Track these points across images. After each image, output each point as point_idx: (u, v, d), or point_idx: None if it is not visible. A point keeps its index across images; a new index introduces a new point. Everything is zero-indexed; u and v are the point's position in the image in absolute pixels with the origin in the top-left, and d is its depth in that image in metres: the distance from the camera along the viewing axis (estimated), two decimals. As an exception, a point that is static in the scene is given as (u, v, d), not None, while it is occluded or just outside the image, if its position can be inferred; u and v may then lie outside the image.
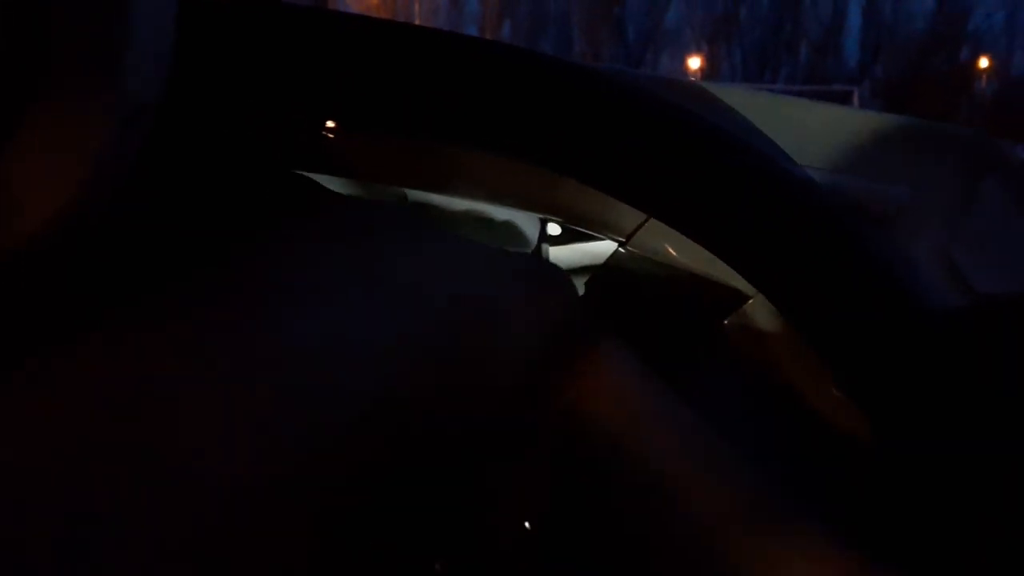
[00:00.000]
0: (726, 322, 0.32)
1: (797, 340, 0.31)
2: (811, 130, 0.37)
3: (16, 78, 0.25)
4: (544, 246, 0.41)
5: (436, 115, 0.31)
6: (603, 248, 0.43)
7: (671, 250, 0.32)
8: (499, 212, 0.42)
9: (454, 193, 0.37)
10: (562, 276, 0.27)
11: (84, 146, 0.28)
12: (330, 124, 0.33)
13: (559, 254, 0.42)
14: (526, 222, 0.42)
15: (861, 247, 0.29)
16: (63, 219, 0.27)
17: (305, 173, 0.36)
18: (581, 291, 0.39)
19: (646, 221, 0.31)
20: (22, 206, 0.26)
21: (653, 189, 0.30)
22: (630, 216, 0.32)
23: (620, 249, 0.34)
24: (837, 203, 0.30)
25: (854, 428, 0.32)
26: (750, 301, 0.32)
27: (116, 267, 0.30)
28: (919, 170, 0.37)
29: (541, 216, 0.35)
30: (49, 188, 0.27)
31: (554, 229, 0.42)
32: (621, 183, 0.30)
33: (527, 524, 0.26)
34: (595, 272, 0.35)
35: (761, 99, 0.40)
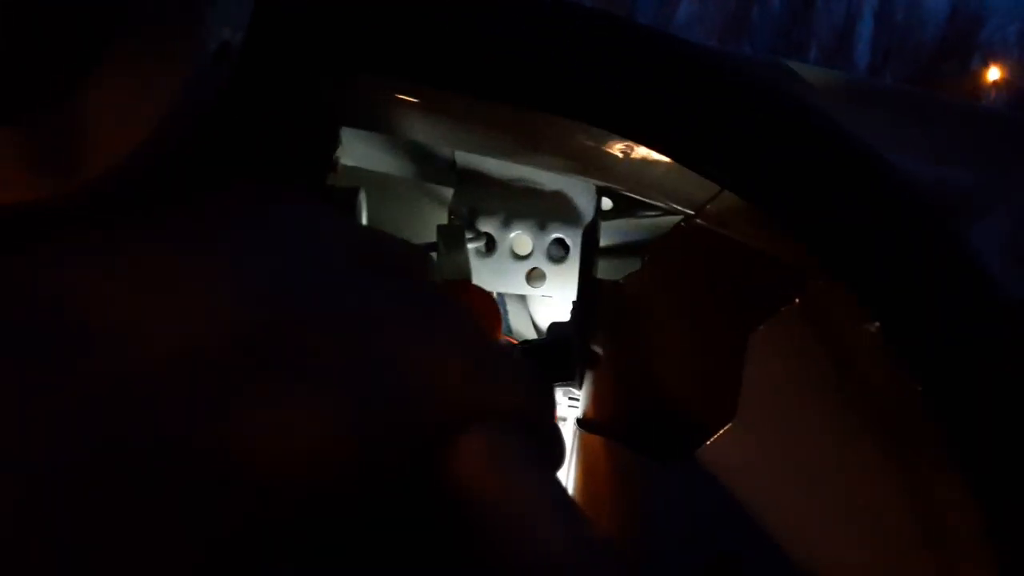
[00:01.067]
0: (788, 308, 0.32)
1: (866, 330, 0.30)
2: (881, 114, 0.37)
3: (96, 13, 0.25)
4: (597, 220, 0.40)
5: (502, 71, 0.30)
6: (654, 223, 0.42)
7: (742, 226, 0.32)
8: (551, 181, 0.41)
9: (511, 156, 0.36)
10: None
11: (163, 86, 0.27)
12: (397, 81, 0.32)
13: (611, 227, 0.41)
14: (581, 193, 0.41)
15: (955, 239, 0.29)
16: (136, 160, 0.26)
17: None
18: (626, 271, 0.38)
19: (719, 193, 0.31)
20: (96, 145, 0.26)
21: (739, 163, 0.29)
22: (702, 187, 0.31)
23: (685, 221, 0.33)
24: (927, 193, 0.29)
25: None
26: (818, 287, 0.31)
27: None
28: (987, 158, 0.37)
29: (602, 185, 0.34)
30: (124, 128, 0.26)
31: (605, 203, 0.41)
32: (702, 153, 0.29)
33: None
34: (657, 244, 0.34)
35: (831, 79, 0.39)
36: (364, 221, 0.42)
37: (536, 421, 0.23)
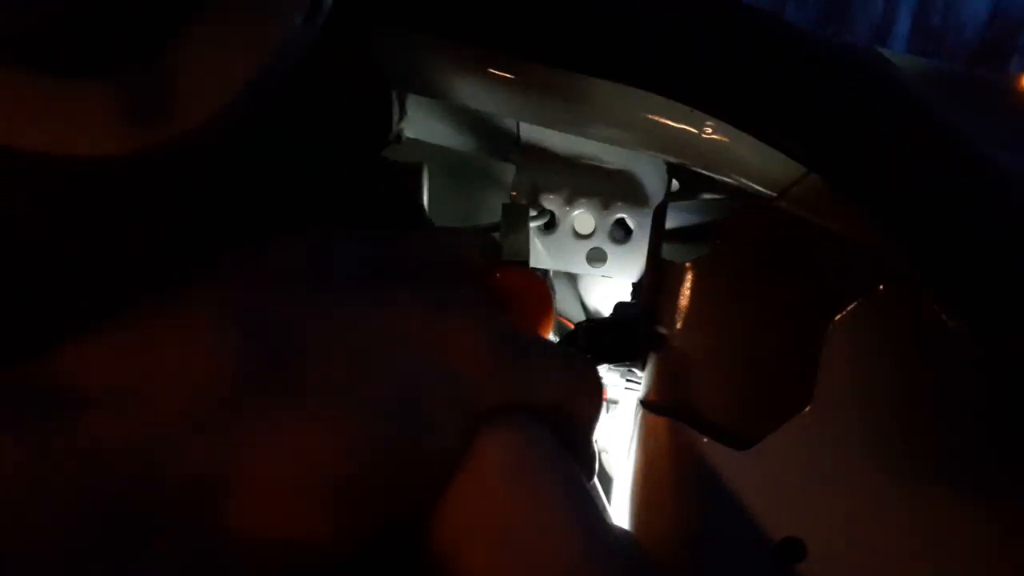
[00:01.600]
0: (870, 296, 0.31)
1: (951, 329, 0.29)
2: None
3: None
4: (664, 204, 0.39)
5: (583, 41, 0.30)
6: (719, 206, 0.41)
7: (825, 211, 0.31)
8: (618, 160, 0.41)
9: (582, 129, 0.35)
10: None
11: (257, 42, 0.27)
12: (470, 46, 0.32)
13: (674, 210, 0.40)
14: (650, 173, 0.40)
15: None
16: (226, 116, 0.26)
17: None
18: (694, 254, 0.38)
19: (806, 175, 0.30)
20: (187, 100, 0.25)
21: (832, 145, 0.28)
22: (785, 169, 0.30)
23: (765, 203, 0.33)
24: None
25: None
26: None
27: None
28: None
29: (676, 162, 0.34)
30: (216, 84, 0.26)
31: (672, 185, 0.41)
32: (793, 134, 0.29)
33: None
34: (732, 226, 0.34)
35: (919, 65, 0.39)
36: (426, 198, 0.41)
37: (570, 415, 0.22)
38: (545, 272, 0.45)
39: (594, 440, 0.26)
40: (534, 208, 0.41)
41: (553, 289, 0.47)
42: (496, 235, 0.37)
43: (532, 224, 0.41)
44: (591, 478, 0.26)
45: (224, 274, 0.20)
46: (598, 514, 0.20)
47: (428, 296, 0.21)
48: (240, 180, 0.28)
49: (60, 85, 0.21)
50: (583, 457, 0.24)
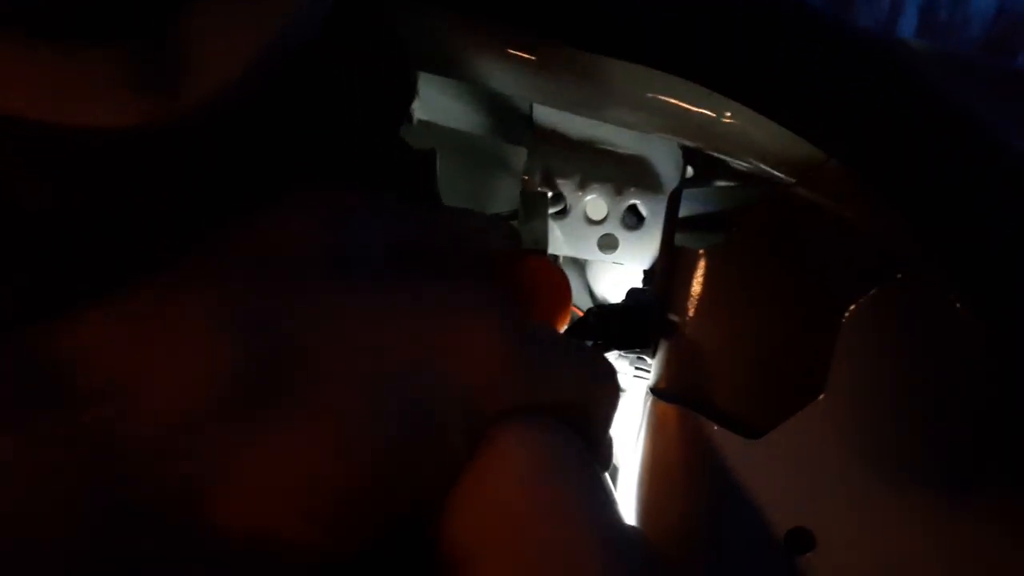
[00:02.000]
0: (888, 286, 0.31)
1: (969, 322, 0.29)
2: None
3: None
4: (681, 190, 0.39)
5: (604, 20, 0.29)
6: (733, 194, 0.41)
7: (845, 198, 0.31)
8: (632, 145, 0.40)
9: (598, 112, 0.35)
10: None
11: (271, 9, 0.26)
12: (487, 24, 0.31)
13: (688, 197, 0.40)
14: (664, 158, 0.40)
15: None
16: (238, 87, 0.25)
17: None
18: (707, 242, 0.37)
19: (826, 161, 0.30)
20: (199, 68, 0.25)
21: (854, 130, 0.28)
22: (805, 154, 0.30)
23: (783, 189, 0.32)
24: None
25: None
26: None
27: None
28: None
29: (692, 146, 0.33)
30: (228, 52, 0.25)
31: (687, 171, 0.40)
32: (815, 118, 0.28)
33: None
34: (748, 213, 0.33)
35: (940, 53, 0.38)
36: (439, 183, 0.41)
37: (587, 413, 0.21)
38: (555, 258, 0.44)
39: (610, 434, 0.26)
40: (553, 199, 0.41)
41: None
42: (514, 222, 0.36)
43: (550, 211, 0.41)
44: (606, 468, 0.25)
45: (229, 258, 0.19)
46: (618, 517, 0.20)
47: (448, 289, 0.20)
48: (252, 156, 0.27)
49: (65, 53, 0.21)
50: (600, 453, 0.24)
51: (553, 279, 0.27)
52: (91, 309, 0.17)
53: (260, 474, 0.16)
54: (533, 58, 0.30)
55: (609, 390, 0.23)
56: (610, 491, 0.21)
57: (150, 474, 0.15)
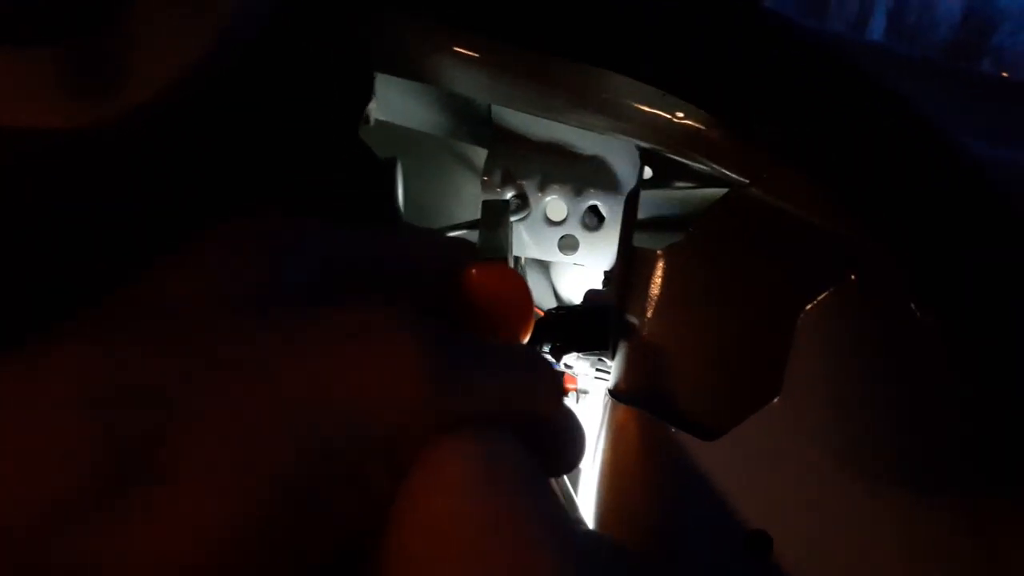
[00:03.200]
0: (843, 286, 0.31)
1: (922, 319, 0.29)
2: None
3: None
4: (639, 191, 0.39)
5: (557, 22, 0.29)
6: (692, 196, 0.41)
7: (798, 198, 0.31)
8: (591, 147, 0.40)
9: (556, 113, 0.34)
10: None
11: (212, 10, 0.25)
12: (445, 28, 0.31)
13: (648, 199, 0.40)
14: (622, 159, 0.40)
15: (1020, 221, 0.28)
16: (181, 88, 0.25)
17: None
18: (665, 242, 0.37)
19: (775, 161, 0.30)
20: (140, 70, 0.24)
21: (798, 131, 0.28)
22: (759, 155, 0.30)
23: (736, 191, 0.32)
24: (994, 174, 0.29)
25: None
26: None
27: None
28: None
29: (648, 147, 0.33)
30: (169, 53, 0.25)
31: (645, 172, 0.40)
32: (758, 121, 0.28)
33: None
34: (704, 215, 0.33)
35: (890, 54, 0.38)
36: (401, 192, 0.40)
37: (532, 417, 0.20)
38: (516, 259, 0.44)
39: (573, 431, 0.25)
40: (513, 201, 0.40)
41: (524, 274, 0.47)
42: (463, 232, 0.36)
43: (512, 218, 0.40)
44: (574, 466, 0.24)
45: (121, 315, 0.17)
46: (567, 524, 0.19)
47: (360, 317, 0.19)
48: (207, 158, 0.26)
49: (3, 54, 0.20)
50: (557, 450, 0.23)
51: (512, 287, 0.26)
52: None
53: (141, 555, 0.14)
54: (481, 58, 0.30)
55: (547, 383, 0.22)
56: (557, 497, 0.20)
57: (28, 565, 0.13)
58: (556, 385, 0.22)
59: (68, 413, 0.15)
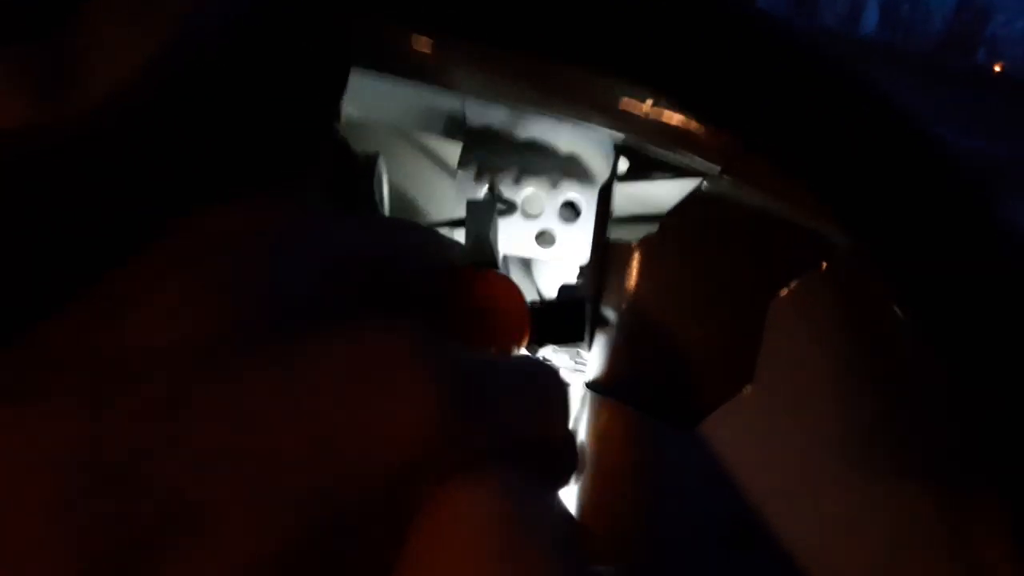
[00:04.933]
0: (813, 274, 0.30)
1: (893, 304, 0.29)
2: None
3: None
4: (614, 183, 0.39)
5: (527, 19, 0.29)
6: (669, 188, 0.41)
7: (768, 188, 0.30)
8: (564, 144, 0.40)
9: (529, 105, 0.34)
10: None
11: (168, 11, 0.25)
12: (418, 25, 0.31)
13: (626, 191, 0.40)
14: (595, 156, 0.39)
15: (988, 213, 0.28)
16: (138, 85, 0.24)
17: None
18: (638, 235, 0.37)
19: (749, 151, 0.29)
20: (96, 66, 0.24)
21: (765, 119, 0.28)
22: (730, 145, 0.30)
23: (708, 181, 0.32)
24: (964, 164, 0.28)
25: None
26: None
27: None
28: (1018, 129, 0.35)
29: (622, 138, 0.33)
30: (125, 49, 0.24)
31: (621, 165, 0.40)
32: (727, 110, 0.28)
33: None
34: (676, 207, 0.33)
35: (865, 45, 0.38)
36: (386, 188, 0.40)
37: (544, 441, 0.19)
38: (503, 259, 0.44)
39: (577, 440, 0.24)
40: (499, 202, 0.40)
41: (507, 270, 0.46)
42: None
43: (499, 218, 0.40)
44: (578, 478, 0.24)
45: (83, 367, 0.15)
46: (583, 565, 0.18)
47: (369, 341, 0.17)
48: (167, 156, 0.26)
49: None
50: (562, 470, 0.22)
51: (510, 298, 0.25)
52: None
53: None
54: (442, 51, 0.29)
55: (560, 406, 0.21)
56: (573, 535, 0.20)
57: None
58: (567, 406, 0.21)
59: (49, 509, 0.13)
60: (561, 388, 0.21)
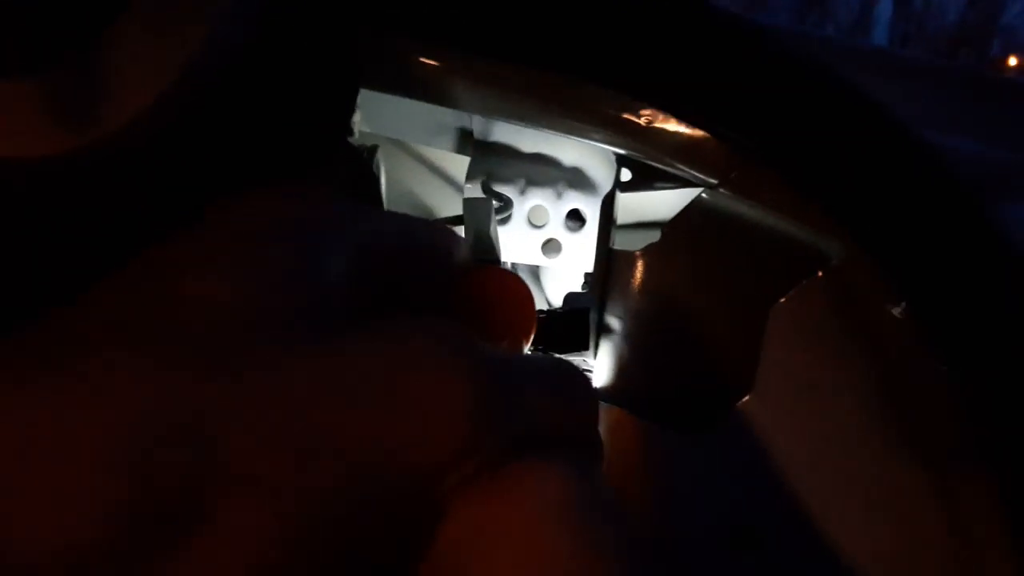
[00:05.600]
0: (811, 281, 0.31)
1: (891, 308, 0.30)
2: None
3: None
4: (617, 194, 0.40)
5: (527, 34, 0.30)
6: (674, 197, 0.41)
7: (767, 197, 0.31)
8: (568, 156, 0.41)
9: (532, 121, 0.35)
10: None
11: (185, 37, 0.26)
12: (421, 41, 0.32)
13: (629, 201, 0.40)
14: (598, 167, 0.40)
15: (983, 217, 0.28)
16: (160, 112, 0.26)
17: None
18: (643, 243, 0.38)
19: (744, 161, 0.30)
20: (118, 95, 0.25)
21: (765, 130, 0.28)
22: (725, 156, 0.31)
23: (707, 192, 0.33)
24: (958, 168, 0.29)
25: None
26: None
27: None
28: (1020, 132, 0.36)
29: (623, 152, 0.34)
30: (146, 79, 0.26)
31: (624, 175, 0.41)
32: (725, 120, 0.29)
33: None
34: (677, 216, 0.34)
35: (866, 51, 0.39)
36: (383, 181, 0.41)
37: (576, 430, 0.19)
38: (513, 267, 0.45)
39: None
40: (497, 202, 0.41)
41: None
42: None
43: (495, 217, 0.41)
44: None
45: (144, 329, 0.16)
46: (646, 552, 0.18)
47: (405, 334, 0.17)
48: (189, 174, 0.27)
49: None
50: (595, 451, 0.23)
51: (517, 293, 0.26)
52: None
53: None
54: (443, 66, 0.30)
55: (589, 397, 0.21)
56: (624, 513, 0.20)
57: None
58: (592, 393, 0.21)
59: (111, 447, 0.14)
60: (584, 377, 0.21)
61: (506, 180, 0.42)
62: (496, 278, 0.26)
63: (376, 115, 0.43)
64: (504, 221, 0.42)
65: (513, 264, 0.46)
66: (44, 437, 0.13)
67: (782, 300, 0.30)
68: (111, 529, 0.13)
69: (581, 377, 0.21)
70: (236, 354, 0.15)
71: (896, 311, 0.30)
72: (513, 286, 0.26)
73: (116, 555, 0.13)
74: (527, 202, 0.42)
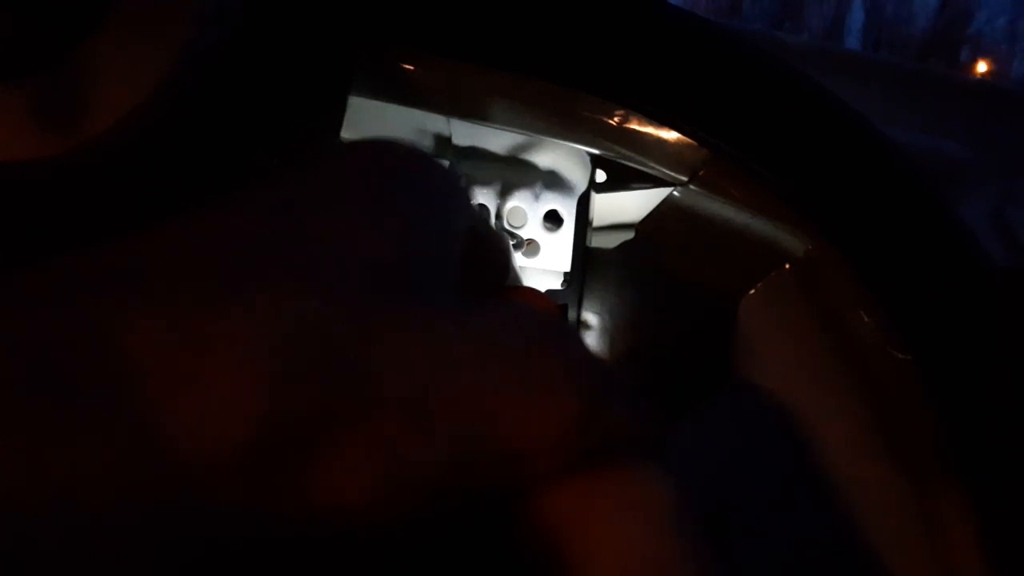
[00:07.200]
0: (779, 273, 0.32)
1: (858, 298, 0.31)
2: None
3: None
4: (592, 192, 0.41)
5: (503, 39, 0.31)
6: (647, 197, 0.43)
7: (735, 192, 0.32)
8: (544, 159, 0.42)
9: (507, 123, 0.36)
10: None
11: (164, 45, 0.27)
12: (399, 47, 0.32)
13: (604, 201, 0.41)
14: (573, 169, 0.41)
15: (941, 208, 0.30)
16: (140, 116, 0.26)
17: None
18: (617, 241, 0.39)
19: (712, 158, 0.31)
20: (100, 101, 0.26)
21: (730, 127, 0.29)
22: (696, 154, 0.32)
23: (678, 190, 0.34)
24: (917, 162, 0.30)
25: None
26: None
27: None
28: (976, 130, 0.37)
29: (597, 153, 0.35)
30: (126, 85, 0.26)
31: (599, 176, 0.42)
32: (693, 119, 0.30)
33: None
34: (650, 214, 0.35)
35: (826, 51, 0.40)
36: None
37: (638, 438, 0.20)
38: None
39: None
40: (484, 208, 0.42)
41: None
42: None
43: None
44: None
45: (308, 251, 0.15)
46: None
47: (520, 324, 0.17)
48: (178, 170, 0.28)
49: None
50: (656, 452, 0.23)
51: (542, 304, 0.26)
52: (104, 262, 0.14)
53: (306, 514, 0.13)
54: (418, 71, 0.31)
55: (639, 396, 0.21)
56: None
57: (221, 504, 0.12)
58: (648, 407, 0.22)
59: (265, 358, 0.13)
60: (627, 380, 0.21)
61: (485, 183, 0.43)
62: (531, 298, 0.26)
63: (355, 120, 0.43)
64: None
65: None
66: (216, 342, 0.13)
67: (751, 292, 0.31)
68: (263, 435, 0.13)
69: (636, 392, 0.21)
70: (381, 291, 0.15)
71: (863, 296, 0.31)
72: (550, 309, 0.27)
73: (262, 458, 0.13)
74: (506, 204, 0.43)
